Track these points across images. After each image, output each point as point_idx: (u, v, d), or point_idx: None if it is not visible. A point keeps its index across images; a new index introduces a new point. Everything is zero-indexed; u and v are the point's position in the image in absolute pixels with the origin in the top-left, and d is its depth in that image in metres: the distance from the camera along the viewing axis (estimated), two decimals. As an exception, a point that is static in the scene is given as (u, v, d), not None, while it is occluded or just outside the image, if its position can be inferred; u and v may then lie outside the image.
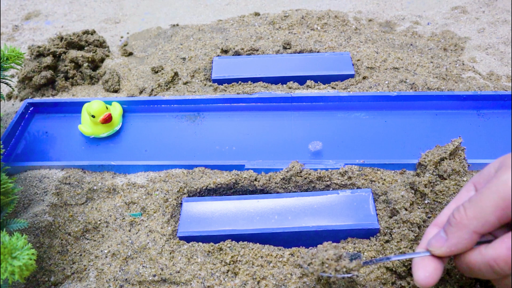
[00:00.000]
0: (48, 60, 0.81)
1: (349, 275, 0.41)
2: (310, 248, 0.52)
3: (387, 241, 0.51)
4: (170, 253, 0.52)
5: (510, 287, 0.34)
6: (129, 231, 0.56)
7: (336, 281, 0.47)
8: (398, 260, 0.46)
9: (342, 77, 0.76)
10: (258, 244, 0.52)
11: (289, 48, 0.84)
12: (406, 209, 0.52)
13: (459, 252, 0.35)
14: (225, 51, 0.85)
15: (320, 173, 0.58)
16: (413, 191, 0.53)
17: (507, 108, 0.68)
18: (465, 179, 0.55)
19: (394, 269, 0.47)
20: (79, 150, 0.68)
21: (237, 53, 0.84)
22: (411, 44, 0.86)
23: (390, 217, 0.53)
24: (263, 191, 0.59)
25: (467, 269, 0.36)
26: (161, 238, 0.54)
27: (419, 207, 0.52)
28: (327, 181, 0.58)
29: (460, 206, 0.35)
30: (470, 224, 0.33)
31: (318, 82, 0.76)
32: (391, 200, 0.54)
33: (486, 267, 0.33)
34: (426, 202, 0.53)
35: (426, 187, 0.53)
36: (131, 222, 0.57)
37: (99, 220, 0.57)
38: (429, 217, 0.53)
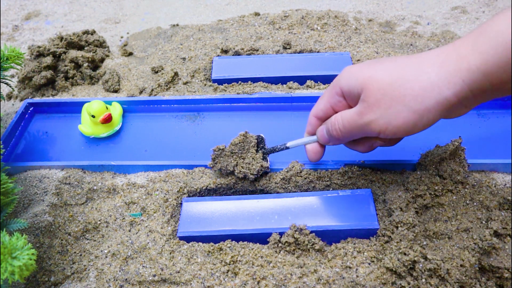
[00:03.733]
0: (48, 60, 0.81)
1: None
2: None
3: (387, 241, 0.51)
4: (170, 253, 0.52)
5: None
6: (129, 231, 0.56)
7: (336, 280, 0.47)
8: (295, 146, 0.55)
9: (342, 77, 0.76)
10: (258, 244, 0.52)
11: (289, 48, 0.84)
12: (401, 209, 0.52)
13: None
14: (225, 51, 0.85)
15: (320, 173, 0.58)
16: (411, 191, 0.53)
17: (507, 108, 0.68)
18: (465, 179, 0.55)
19: (394, 269, 0.47)
20: (79, 150, 0.68)
21: (237, 53, 0.84)
22: (411, 44, 0.86)
23: (388, 217, 0.53)
24: (263, 191, 0.59)
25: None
26: (161, 238, 0.54)
27: (415, 206, 0.52)
28: (327, 181, 0.58)
29: (337, 122, 0.45)
30: (344, 138, 0.47)
31: (318, 82, 0.76)
32: (388, 200, 0.54)
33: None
34: (423, 202, 0.53)
35: (425, 187, 0.53)
36: (131, 222, 0.57)
37: (99, 220, 0.57)
38: (420, 218, 0.53)
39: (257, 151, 0.58)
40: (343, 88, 0.44)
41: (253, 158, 0.57)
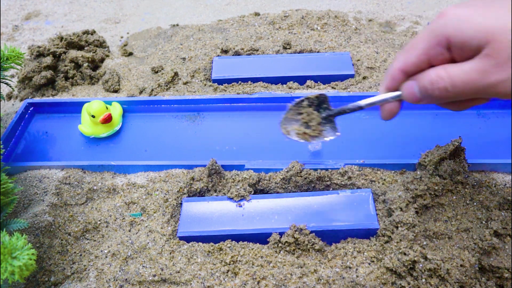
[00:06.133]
0: (48, 60, 0.81)
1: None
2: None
3: (387, 241, 0.51)
4: (170, 253, 0.52)
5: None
6: (129, 231, 0.56)
7: (336, 280, 0.47)
8: (371, 105, 0.46)
9: (342, 77, 0.76)
10: (258, 244, 0.52)
11: (289, 48, 0.84)
12: (401, 209, 0.52)
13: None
14: (225, 51, 0.85)
15: (320, 173, 0.58)
16: (411, 191, 0.53)
17: (507, 108, 0.68)
18: (465, 179, 0.55)
19: (394, 269, 0.47)
20: (79, 150, 0.68)
21: (237, 53, 0.84)
22: (411, 44, 0.86)
23: (388, 217, 0.53)
24: (263, 191, 0.59)
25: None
26: (161, 238, 0.54)
27: (415, 206, 0.52)
28: (327, 181, 0.58)
29: (442, 80, 0.37)
30: (449, 99, 0.38)
31: (318, 82, 0.76)
32: (388, 199, 0.54)
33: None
34: (423, 202, 0.53)
35: (425, 187, 0.53)
36: (131, 222, 0.57)
37: (99, 220, 0.57)
38: (420, 218, 0.53)
39: (319, 111, 0.50)
40: (452, 39, 0.35)
41: (316, 122, 0.50)
